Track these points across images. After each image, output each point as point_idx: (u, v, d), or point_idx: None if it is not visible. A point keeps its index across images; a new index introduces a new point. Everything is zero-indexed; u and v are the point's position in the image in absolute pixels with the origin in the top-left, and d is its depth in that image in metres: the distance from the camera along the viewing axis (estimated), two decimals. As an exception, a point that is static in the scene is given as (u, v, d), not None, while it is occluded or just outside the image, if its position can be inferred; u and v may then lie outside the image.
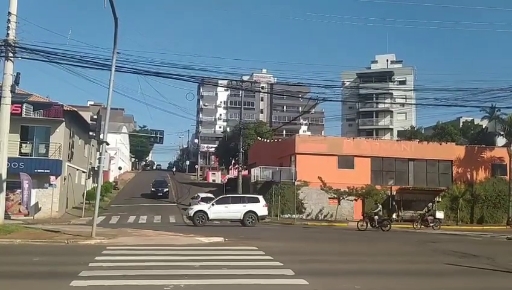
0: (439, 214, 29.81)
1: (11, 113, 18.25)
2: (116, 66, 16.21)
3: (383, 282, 9.11)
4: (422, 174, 37.94)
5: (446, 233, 26.07)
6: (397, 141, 43.59)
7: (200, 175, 78.03)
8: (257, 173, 38.39)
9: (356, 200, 34.46)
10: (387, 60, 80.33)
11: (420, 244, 17.59)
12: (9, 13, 16.91)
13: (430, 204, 34.74)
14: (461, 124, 63.09)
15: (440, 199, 36.56)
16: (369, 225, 25.58)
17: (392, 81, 73.37)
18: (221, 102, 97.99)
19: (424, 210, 36.20)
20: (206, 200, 33.49)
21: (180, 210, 36.33)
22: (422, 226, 28.49)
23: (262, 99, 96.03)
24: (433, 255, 14.36)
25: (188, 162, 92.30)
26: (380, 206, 27.49)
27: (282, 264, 10.46)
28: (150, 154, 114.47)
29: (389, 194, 35.74)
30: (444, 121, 57.00)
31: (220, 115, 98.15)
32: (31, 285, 7.93)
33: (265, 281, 8.47)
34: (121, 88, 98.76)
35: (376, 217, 25.73)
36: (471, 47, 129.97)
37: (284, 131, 79.34)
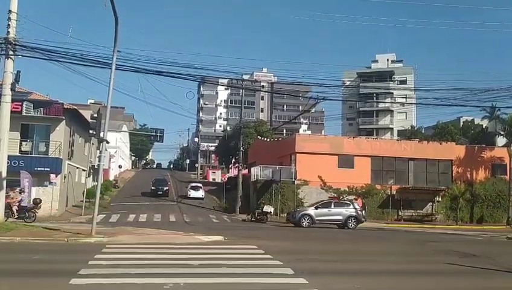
0: (267, 208, 30.65)
1: (11, 111, 18.27)
2: (116, 64, 16.20)
3: (382, 281, 9.11)
4: (422, 174, 37.91)
5: (446, 233, 26.10)
6: (397, 140, 43.55)
7: (200, 174, 78.05)
8: (257, 172, 38.38)
9: (356, 199, 34.45)
10: (387, 60, 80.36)
11: (420, 244, 17.60)
12: (10, 11, 16.92)
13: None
14: (461, 123, 63.11)
15: (440, 199, 36.56)
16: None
17: (392, 81, 73.38)
18: (221, 101, 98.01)
19: (424, 209, 36.35)
20: (194, 188, 44.51)
21: (181, 209, 36.38)
22: (253, 219, 29.94)
23: (262, 98, 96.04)
24: (433, 254, 14.37)
25: (188, 161, 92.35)
26: (24, 193, 23.40)
27: (281, 263, 10.46)
28: (150, 153, 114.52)
29: (389, 193, 35.74)
30: (444, 121, 57.06)
31: (220, 113, 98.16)
32: (31, 283, 7.93)
33: (264, 280, 8.46)
34: (122, 87, 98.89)
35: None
36: (471, 46, 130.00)
37: (284, 130, 79.37)
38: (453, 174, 38.13)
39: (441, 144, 40.14)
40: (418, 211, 36.09)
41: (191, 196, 42.99)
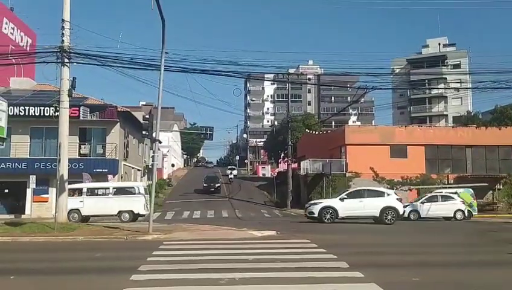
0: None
1: (69, 116, 19.16)
2: (164, 65, 16.58)
3: (442, 274, 8.79)
4: (481, 161, 36.30)
5: (508, 222, 24.85)
6: (453, 127, 41.85)
7: (250, 169, 78.65)
8: (307, 166, 38.17)
9: (411, 190, 33.50)
10: (439, 44, 76.90)
11: (480, 234, 16.87)
12: (63, 20, 17.67)
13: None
14: (521, 106, 59.46)
15: (501, 187, 34.85)
16: None
17: (445, 66, 70.37)
18: (268, 96, 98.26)
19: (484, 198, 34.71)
20: (231, 169, 60.12)
21: (233, 205, 36.86)
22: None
23: (309, 91, 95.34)
24: (494, 245, 13.74)
25: (237, 157, 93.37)
26: None
27: (336, 256, 10.34)
28: (201, 151, 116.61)
29: (446, 182, 34.45)
30: (502, 105, 53.99)
31: (268, 109, 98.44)
32: (94, 280, 8.31)
33: (319, 274, 8.40)
34: (170, 87, 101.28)
35: None
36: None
37: (333, 122, 78.38)
38: (515, 161, 36.21)
39: (500, 129, 38.16)
40: (478, 200, 34.57)
41: (228, 174, 56.96)
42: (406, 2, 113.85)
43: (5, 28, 37.99)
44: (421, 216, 25.59)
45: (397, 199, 22.33)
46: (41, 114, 28.73)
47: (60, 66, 17.72)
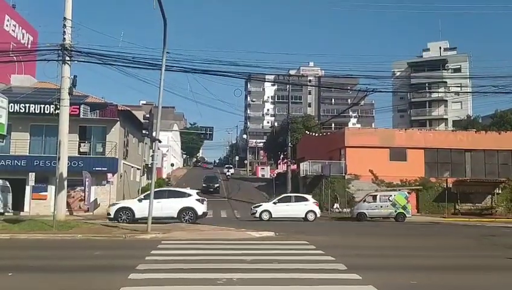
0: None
1: (69, 114, 19.19)
2: (166, 65, 16.60)
3: (439, 277, 8.80)
4: (480, 166, 36.34)
5: (507, 226, 24.87)
6: (452, 131, 41.89)
7: (249, 170, 78.65)
8: (306, 168, 38.19)
9: (410, 193, 33.52)
10: (440, 48, 76.94)
11: (479, 238, 16.88)
12: (65, 18, 17.70)
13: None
14: (522, 111, 59.44)
15: (500, 191, 34.88)
16: None
17: (445, 69, 70.42)
18: (268, 97, 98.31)
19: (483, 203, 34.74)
20: (228, 168, 65.27)
21: (232, 205, 36.84)
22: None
23: (310, 93, 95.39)
24: (493, 249, 13.76)
25: (237, 158, 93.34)
26: None
27: (334, 258, 10.35)
28: (201, 151, 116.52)
29: (445, 186, 34.49)
30: (502, 109, 54.06)
31: (268, 110, 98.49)
32: (93, 278, 8.32)
33: (317, 276, 8.41)
34: (171, 86, 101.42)
35: None
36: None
37: (333, 124, 78.36)
38: (514, 165, 36.24)
39: (499, 133, 38.23)
40: (476, 204, 34.64)
41: (226, 172, 61.75)
42: (408, 6, 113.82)
43: (7, 25, 38.01)
44: (273, 216, 25.58)
45: (197, 199, 21.95)
46: (42, 112, 28.74)
47: (61, 64, 17.75)
